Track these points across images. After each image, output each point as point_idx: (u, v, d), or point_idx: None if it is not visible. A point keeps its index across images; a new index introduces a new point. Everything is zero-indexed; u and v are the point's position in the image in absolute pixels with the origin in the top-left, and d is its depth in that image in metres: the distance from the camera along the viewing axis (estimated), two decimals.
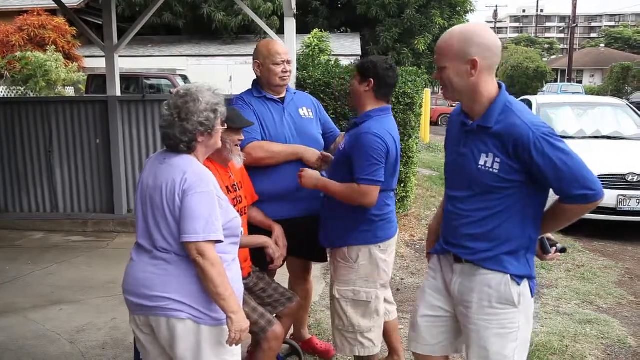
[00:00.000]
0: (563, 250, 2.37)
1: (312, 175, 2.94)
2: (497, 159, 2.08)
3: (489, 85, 2.12)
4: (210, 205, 2.13)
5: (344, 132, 3.22)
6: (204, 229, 2.09)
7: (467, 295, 2.22)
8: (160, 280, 2.16)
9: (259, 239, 2.98)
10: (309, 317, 4.05)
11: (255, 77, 3.28)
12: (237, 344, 2.17)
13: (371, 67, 2.87)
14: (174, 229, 2.14)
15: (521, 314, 2.17)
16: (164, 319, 2.16)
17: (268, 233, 3.07)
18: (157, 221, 2.17)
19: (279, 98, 3.23)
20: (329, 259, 3.28)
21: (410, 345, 2.46)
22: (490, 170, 2.09)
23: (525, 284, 2.18)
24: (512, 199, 2.11)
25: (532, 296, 2.23)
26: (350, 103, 3.07)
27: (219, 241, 2.14)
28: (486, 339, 2.19)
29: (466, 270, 2.23)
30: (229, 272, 2.20)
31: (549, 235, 2.30)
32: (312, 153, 3.13)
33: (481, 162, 2.11)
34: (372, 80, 2.86)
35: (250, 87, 3.31)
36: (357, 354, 3.01)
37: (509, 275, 2.14)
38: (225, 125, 2.34)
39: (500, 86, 2.16)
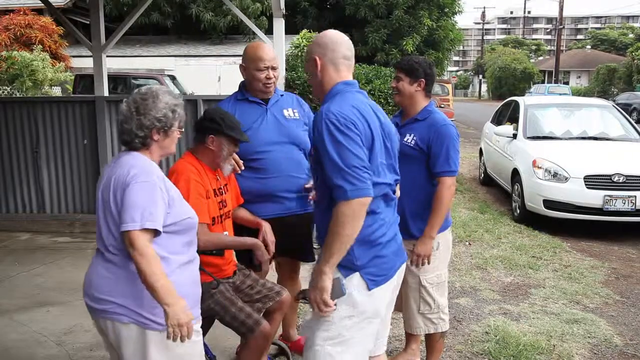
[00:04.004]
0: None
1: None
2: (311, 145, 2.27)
3: (332, 79, 2.28)
4: (149, 194, 2.08)
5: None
6: (141, 218, 2.03)
7: None
8: (106, 282, 2.14)
9: (248, 241, 2.96)
10: (298, 317, 4.05)
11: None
12: (181, 340, 2.04)
13: (420, 68, 3.09)
14: (118, 223, 2.10)
15: (341, 308, 2.15)
16: (110, 322, 2.15)
17: (255, 232, 3.06)
18: (107, 221, 2.14)
19: (262, 100, 3.22)
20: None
21: None
22: (310, 154, 2.28)
23: (353, 279, 2.15)
24: (324, 185, 2.14)
25: (371, 289, 2.18)
26: (399, 102, 3.21)
27: (157, 232, 2.08)
28: (308, 321, 2.33)
29: None
30: (180, 276, 2.16)
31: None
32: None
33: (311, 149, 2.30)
34: (423, 80, 3.10)
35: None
36: (440, 331, 3.29)
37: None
38: (183, 129, 2.32)
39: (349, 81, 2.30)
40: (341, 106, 2.13)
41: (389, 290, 2.30)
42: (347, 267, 2.15)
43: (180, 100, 2.29)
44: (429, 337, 3.34)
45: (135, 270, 2.05)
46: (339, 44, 2.28)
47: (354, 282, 2.16)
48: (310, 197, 3.10)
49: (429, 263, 3.10)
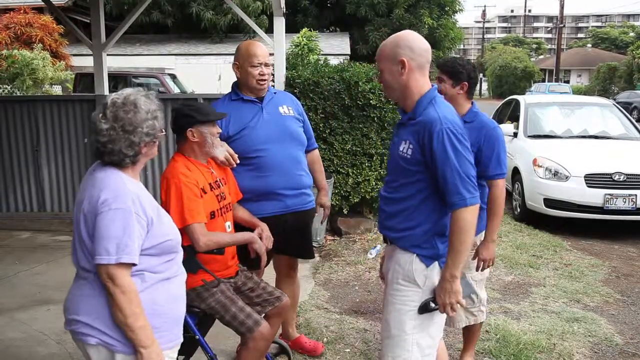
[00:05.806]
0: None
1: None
2: (411, 145, 2.27)
3: (419, 83, 2.30)
4: (124, 223, 1.92)
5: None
6: (116, 251, 1.90)
7: (387, 273, 2.45)
8: (75, 301, 2.04)
9: (244, 236, 2.96)
10: (298, 316, 4.05)
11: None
12: None
13: (464, 70, 3.04)
14: (90, 248, 1.97)
15: (425, 296, 2.31)
16: (80, 344, 2.04)
17: (253, 230, 3.06)
18: (79, 239, 2.01)
19: (257, 98, 3.23)
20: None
21: None
22: (404, 154, 2.30)
23: (434, 268, 2.32)
24: (421, 184, 2.28)
25: None
26: None
27: (133, 264, 1.96)
28: (389, 312, 2.38)
29: (389, 250, 2.47)
30: (155, 293, 2.03)
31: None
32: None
33: (401, 148, 2.33)
34: (466, 83, 3.05)
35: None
36: (479, 322, 3.38)
37: (415, 255, 2.32)
38: (164, 132, 2.15)
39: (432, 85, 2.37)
40: (453, 115, 2.25)
41: None
42: (431, 257, 2.31)
43: (157, 102, 2.11)
44: (467, 327, 3.41)
45: (103, 292, 1.96)
46: (426, 49, 2.31)
47: (435, 270, 2.32)
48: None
49: (492, 264, 3.17)
